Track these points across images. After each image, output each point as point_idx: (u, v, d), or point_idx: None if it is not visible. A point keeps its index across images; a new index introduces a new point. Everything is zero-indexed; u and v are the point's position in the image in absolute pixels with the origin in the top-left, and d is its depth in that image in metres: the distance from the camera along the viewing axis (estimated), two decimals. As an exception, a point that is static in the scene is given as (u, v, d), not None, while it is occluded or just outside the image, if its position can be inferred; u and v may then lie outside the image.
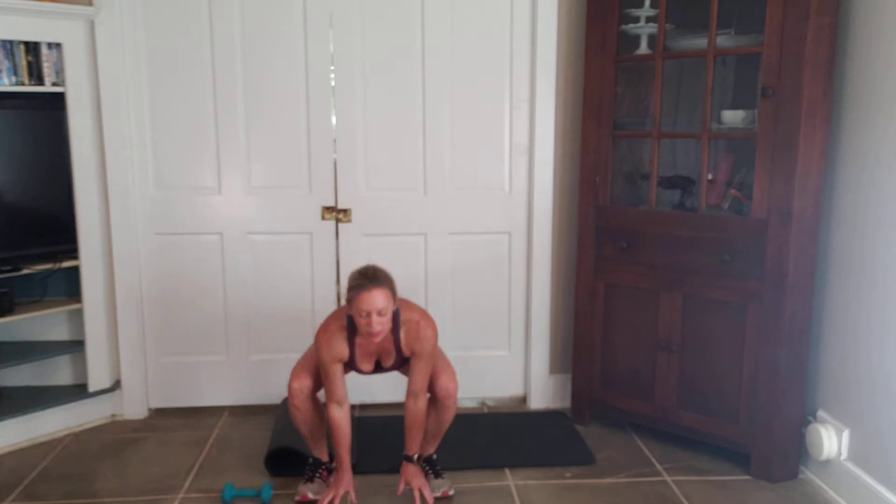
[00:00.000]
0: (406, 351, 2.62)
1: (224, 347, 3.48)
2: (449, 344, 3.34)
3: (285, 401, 3.05)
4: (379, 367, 2.70)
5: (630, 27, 3.05)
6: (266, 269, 3.43)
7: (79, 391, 3.33)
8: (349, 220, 3.40)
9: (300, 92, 3.29)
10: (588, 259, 3.22)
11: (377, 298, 2.42)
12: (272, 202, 3.38)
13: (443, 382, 2.65)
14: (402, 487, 2.67)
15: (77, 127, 3.15)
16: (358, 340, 2.58)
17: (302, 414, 2.67)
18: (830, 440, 2.72)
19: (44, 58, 3.07)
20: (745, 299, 2.83)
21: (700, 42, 2.87)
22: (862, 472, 2.62)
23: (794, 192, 2.68)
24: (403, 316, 2.60)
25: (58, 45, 3.08)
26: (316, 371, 2.67)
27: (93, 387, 3.33)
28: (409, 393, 2.65)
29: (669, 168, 3.23)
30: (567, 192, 3.43)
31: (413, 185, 3.42)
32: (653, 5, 3.01)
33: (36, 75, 3.08)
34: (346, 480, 2.65)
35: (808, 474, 2.90)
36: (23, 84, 3.05)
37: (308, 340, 3.15)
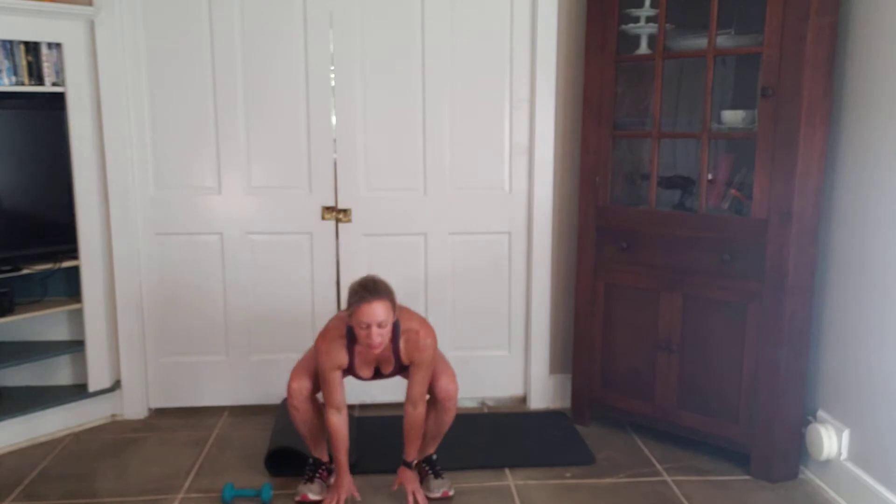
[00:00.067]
0: (405, 360, 2.63)
1: (224, 347, 3.48)
2: (449, 344, 3.35)
3: (285, 401, 3.04)
4: (378, 374, 2.71)
5: (630, 27, 3.05)
6: (266, 270, 3.43)
7: (79, 391, 3.33)
8: (349, 220, 3.40)
9: (300, 92, 3.29)
10: (588, 259, 3.22)
11: (377, 311, 2.42)
12: (272, 202, 3.38)
13: (443, 384, 2.65)
14: (395, 486, 2.71)
15: (77, 127, 3.15)
16: (357, 349, 2.58)
17: (301, 414, 2.67)
18: (830, 440, 2.72)
19: (44, 58, 3.07)
20: (745, 299, 2.83)
21: (700, 42, 2.87)
22: (862, 472, 2.62)
23: (794, 192, 2.68)
24: (403, 326, 2.60)
25: (58, 45, 3.08)
26: (316, 372, 2.67)
27: (93, 387, 3.33)
28: (408, 400, 2.65)
29: (669, 168, 3.23)
30: (567, 192, 3.43)
31: (413, 185, 3.41)
32: (653, 5, 3.01)
33: (36, 75, 3.08)
34: (347, 484, 2.67)
35: (808, 474, 2.90)
36: (23, 84, 3.05)
37: (308, 341, 3.15)
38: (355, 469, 2.88)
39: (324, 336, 2.61)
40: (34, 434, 3.20)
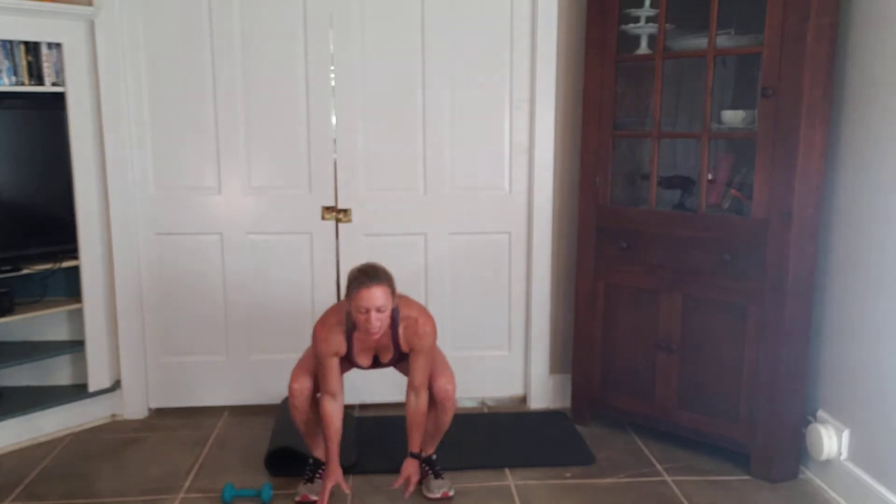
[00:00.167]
0: (404, 347, 2.63)
1: (224, 347, 3.48)
2: (449, 344, 3.35)
3: (285, 401, 3.05)
4: (377, 363, 2.70)
5: (630, 27, 3.05)
6: (266, 269, 3.43)
7: (79, 391, 3.33)
8: (349, 220, 3.40)
9: (300, 92, 3.29)
10: (588, 259, 3.22)
11: (377, 295, 2.42)
12: (272, 202, 3.38)
13: (441, 384, 2.65)
14: (399, 482, 2.67)
15: (77, 127, 3.15)
16: (356, 335, 2.58)
17: (302, 414, 2.67)
18: (830, 440, 2.72)
19: (44, 58, 3.07)
20: (746, 299, 2.83)
21: (700, 42, 2.87)
22: (862, 472, 2.62)
23: (794, 192, 2.68)
24: (402, 313, 2.60)
25: (58, 45, 3.08)
26: (316, 371, 2.66)
27: (93, 387, 3.33)
28: (410, 388, 2.65)
29: (669, 168, 3.23)
30: (567, 192, 3.43)
31: (413, 185, 3.41)
32: (653, 5, 3.01)
33: (36, 75, 3.08)
34: (335, 474, 2.63)
35: (808, 474, 2.90)
36: (23, 84, 3.05)
37: (308, 341, 3.15)
38: (355, 469, 2.88)
39: (322, 323, 2.61)
40: (34, 434, 3.20)
